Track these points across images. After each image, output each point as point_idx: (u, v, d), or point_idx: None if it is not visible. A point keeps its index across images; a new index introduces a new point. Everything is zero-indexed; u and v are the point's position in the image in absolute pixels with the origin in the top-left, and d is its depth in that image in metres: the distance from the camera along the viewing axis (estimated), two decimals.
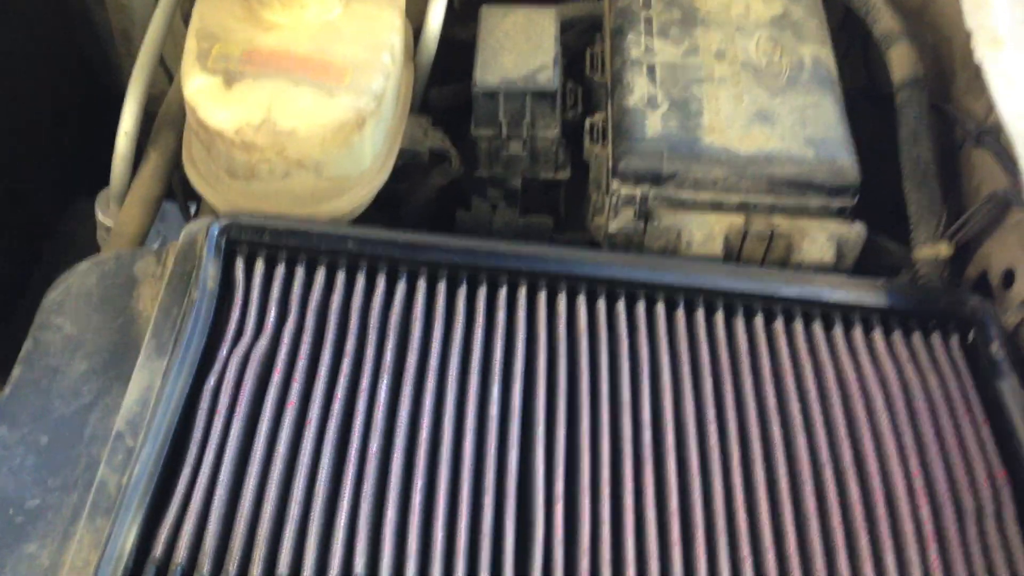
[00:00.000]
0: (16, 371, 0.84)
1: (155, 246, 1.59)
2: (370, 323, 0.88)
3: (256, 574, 0.72)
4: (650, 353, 0.89)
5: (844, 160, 1.00)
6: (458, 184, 1.19)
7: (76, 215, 1.33)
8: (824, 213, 1.01)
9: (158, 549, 0.72)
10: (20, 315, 0.95)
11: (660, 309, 0.92)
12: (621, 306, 0.92)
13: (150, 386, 0.82)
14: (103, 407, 0.83)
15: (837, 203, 1.00)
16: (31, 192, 1.34)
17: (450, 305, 0.91)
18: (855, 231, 1.00)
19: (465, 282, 0.92)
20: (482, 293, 0.92)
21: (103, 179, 1.13)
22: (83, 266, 0.92)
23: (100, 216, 1.15)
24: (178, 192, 1.20)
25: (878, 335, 0.91)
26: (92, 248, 1.14)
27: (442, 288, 0.91)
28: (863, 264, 1.02)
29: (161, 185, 1.11)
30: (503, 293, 0.92)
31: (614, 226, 1.03)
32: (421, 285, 0.91)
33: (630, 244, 1.04)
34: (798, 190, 1.00)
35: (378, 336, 0.88)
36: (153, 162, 1.10)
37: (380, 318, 0.89)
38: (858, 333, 0.92)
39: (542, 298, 0.92)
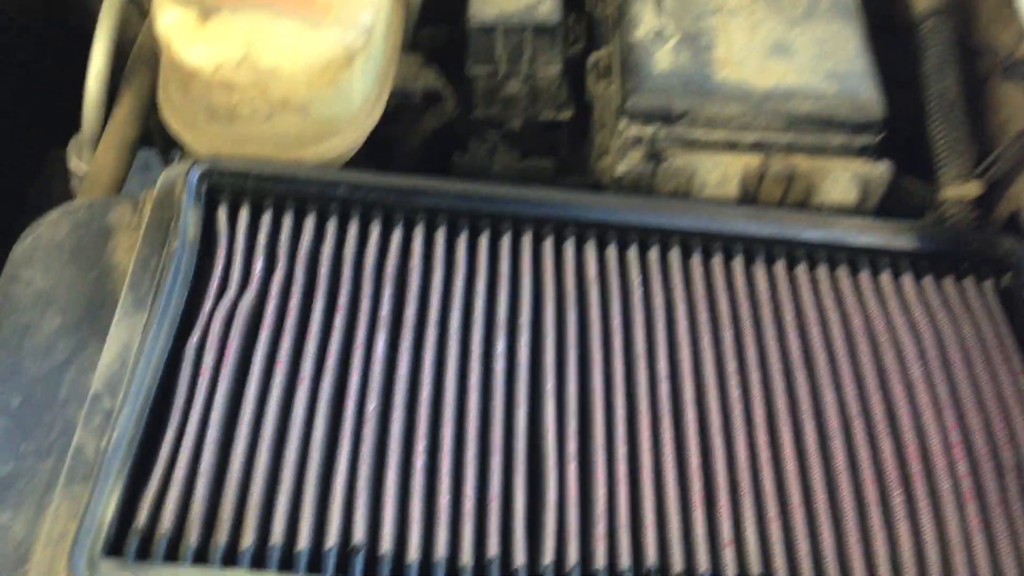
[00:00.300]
0: None
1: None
2: (364, 273, 0.82)
3: (248, 544, 0.66)
4: (665, 302, 0.83)
5: (867, 95, 0.94)
6: (453, 127, 1.13)
7: (53, 165, 1.26)
8: (846, 152, 0.95)
9: (141, 518, 0.67)
10: None
11: (675, 255, 0.86)
12: (633, 253, 0.86)
13: (128, 343, 0.75)
14: (78, 366, 0.76)
15: (860, 141, 0.94)
16: (3, 143, 1.27)
17: (450, 253, 0.85)
18: (880, 170, 0.94)
19: (466, 229, 0.86)
20: (484, 240, 0.85)
21: (76, 125, 1.05)
22: (53, 215, 0.86)
23: (73, 164, 1.07)
24: (156, 137, 1.12)
25: (908, 280, 0.86)
26: (66, 199, 1.07)
27: (441, 235, 0.85)
28: (884, 205, 0.97)
29: (136, 128, 1.03)
30: (507, 240, 0.86)
31: (621, 168, 0.96)
32: (419, 232, 0.85)
33: (638, 187, 0.98)
34: (819, 127, 0.94)
35: (373, 287, 0.81)
36: (127, 104, 1.03)
37: (375, 268, 0.83)
38: (886, 278, 0.86)
39: (548, 245, 0.86)
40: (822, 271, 0.86)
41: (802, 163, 0.94)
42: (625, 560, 0.68)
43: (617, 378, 0.78)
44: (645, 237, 0.87)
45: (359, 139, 0.98)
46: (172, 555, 0.65)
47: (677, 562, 0.69)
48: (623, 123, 0.95)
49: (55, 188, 1.19)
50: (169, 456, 0.70)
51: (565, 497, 0.71)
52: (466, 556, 0.67)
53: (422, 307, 0.81)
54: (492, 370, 0.77)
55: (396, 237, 0.84)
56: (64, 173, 1.10)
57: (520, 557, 0.68)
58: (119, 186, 1.03)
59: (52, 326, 0.79)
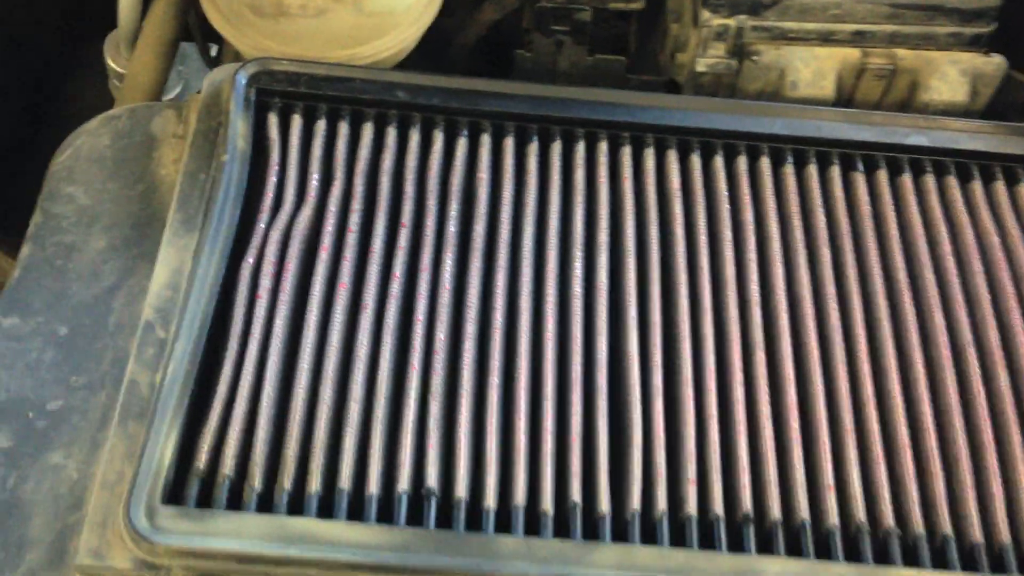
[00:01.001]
0: (25, 250, 0.73)
1: (176, 92, 1.45)
2: (428, 187, 0.75)
3: (314, 489, 0.62)
4: (755, 217, 0.76)
5: None
6: (514, 19, 1.04)
7: (85, 61, 1.19)
8: (956, 43, 0.86)
9: (201, 459, 0.62)
10: (27, 179, 0.83)
11: (765, 164, 0.79)
12: (719, 162, 0.78)
13: (179, 268, 0.70)
14: (127, 291, 0.72)
15: (971, 30, 0.85)
16: (32, 37, 1.20)
17: (520, 164, 0.78)
18: (993, 64, 0.85)
19: (536, 137, 0.78)
20: (556, 149, 0.78)
21: (112, 19, 0.98)
22: (93, 124, 0.80)
23: (110, 62, 1.01)
24: (196, 32, 1.05)
25: None
26: (105, 100, 1.01)
27: (510, 144, 0.78)
28: (995, 103, 0.88)
29: (176, 25, 0.96)
30: (581, 148, 0.78)
31: (702, 65, 0.88)
32: (485, 141, 0.78)
33: (720, 86, 0.90)
34: (925, 15, 0.85)
35: (439, 203, 0.75)
36: None
37: (440, 181, 0.76)
38: (1001, 187, 0.78)
39: (626, 153, 0.78)
40: (929, 180, 0.78)
41: (906, 56, 0.85)
42: (718, 506, 0.63)
43: (704, 303, 0.71)
44: (732, 144, 0.79)
45: (417, 34, 0.90)
46: (235, 501, 0.61)
47: (774, 508, 0.64)
48: (705, 13, 0.86)
49: (91, 86, 1.13)
50: (228, 392, 0.65)
51: (651, 437, 0.66)
52: (546, 502, 0.63)
53: (492, 224, 0.75)
54: (569, 295, 0.71)
55: (461, 146, 0.77)
56: (101, 70, 1.04)
57: (604, 504, 0.63)
58: (160, 87, 0.96)
59: (98, 247, 0.74)
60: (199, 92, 0.80)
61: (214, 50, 1.09)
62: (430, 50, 1.01)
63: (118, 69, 1.01)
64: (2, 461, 0.64)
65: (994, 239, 0.75)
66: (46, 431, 0.65)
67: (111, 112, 0.81)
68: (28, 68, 1.22)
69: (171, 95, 1.37)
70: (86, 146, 0.79)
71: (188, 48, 1.12)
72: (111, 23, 0.99)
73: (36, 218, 0.75)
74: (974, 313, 0.72)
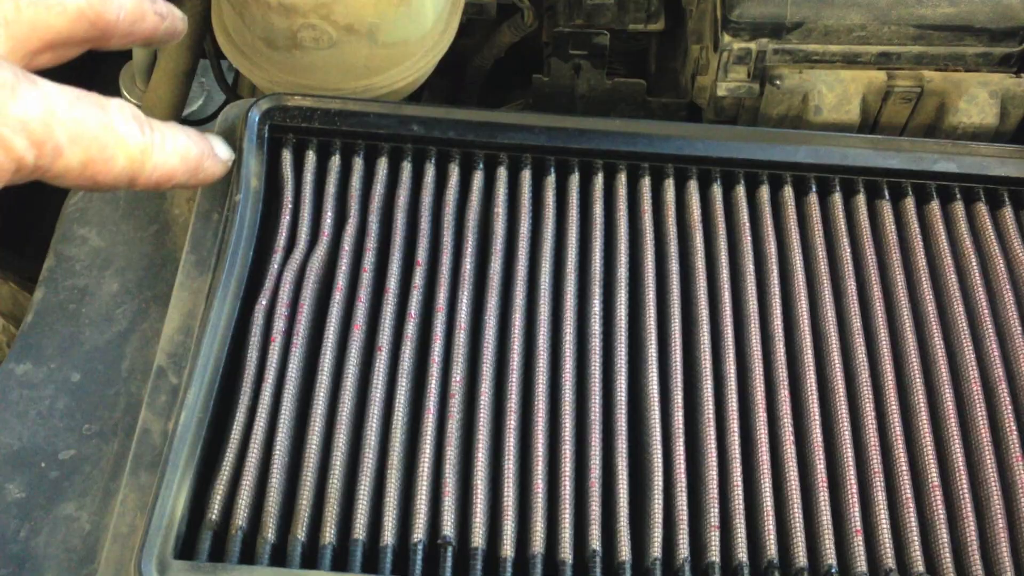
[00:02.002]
0: (38, 293, 0.73)
1: (198, 104, 1.45)
2: (443, 223, 0.74)
3: (328, 540, 0.61)
4: (778, 249, 0.74)
5: None
6: (532, 42, 1.03)
7: (103, 86, 1.19)
8: (984, 63, 0.83)
9: (214, 511, 0.62)
10: (44, 208, 0.82)
11: (788, 194, 0.77)
12: (741, 192, 0.77)
13: (192, 311, 0.69)
14: (140, 335, 0.71)
15: (1001, 50, 0.82)
16: (46, 71, 1.21)
17: (537, 197, 0.76)
18: (1023, 85, 0.82)
19: (553, 169, 0.77)
20: (574, 181, 0.77)
21: (127, 51, 0.98)
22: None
23: (125, 94, 1.01)
24: (212, 59, 1.04)
25: None
26: None
27: (527, 177, 0.76)
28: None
29: (191, 56, 0.96)
30: (599, 180, 0.77)
31: (723, 89, 0.86)
32: (502, 174, 0.77)
33: (742, 110, 0.88)
34: (953, 35, 0.82)
35: (454, 239, 0.74)
36: None
37: (456, 216, 0.75)
38: None
39: (646, 185, 0.77)
40: (958, 208, 0.76)
41: (933, 78, 0.83)
42: (742, 552, 0.62)
43: (727, 340, 0.70)
44: (754, 173, 0.77)
45: (432, 62, 0.89)
46: (248, 554, 0.60)
47: (800, 554, 0.62)
48: (727, 37, 0.84)
49: None
50: (240, 440, 0.64)
51: (672, 480, 0.64)
52: (565, 550, 0.61)
53: (508, 261, 0.73)
54: (588, 333, 0.70)
55: (477, 180, 0.76)
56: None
57: (625, 551, 0.61)
58: (177, 119, 0.96)
59: (111, 290, 0.73)
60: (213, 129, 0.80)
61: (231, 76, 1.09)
62: (448, 70, 1.00)
63: (133, 102, 1.00)
64: (15, 512, 0.64)
65: None
66: (58, 481, 0.65)
67: None
68: None
69: (193, 107, 1.36)
70: None
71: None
72: (126, 54, 0.99)
73: (49, 261, 0.74)
74: (1005, 346, 0.70)
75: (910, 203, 0.76)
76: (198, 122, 1.15)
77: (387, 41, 0.85)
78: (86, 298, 0.73)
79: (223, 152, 0.57)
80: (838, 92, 0.83)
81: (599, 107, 1.00)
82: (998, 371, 0.69)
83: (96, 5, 0.52)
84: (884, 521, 0.63)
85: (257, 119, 0.76)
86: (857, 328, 0.71)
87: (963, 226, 0.75)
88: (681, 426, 0.66)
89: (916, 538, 0.63)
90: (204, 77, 1.20)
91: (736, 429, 0.66)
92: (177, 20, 0.58)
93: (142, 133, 0.51)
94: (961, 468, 0.65)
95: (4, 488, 0.64)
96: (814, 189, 0.77)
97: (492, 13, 0.99)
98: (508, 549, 0.61)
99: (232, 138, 0.77)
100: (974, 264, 0.73)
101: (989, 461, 0.65)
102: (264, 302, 0.70)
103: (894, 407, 0.67)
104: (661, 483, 0.64)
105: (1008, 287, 0.72)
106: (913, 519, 0.63)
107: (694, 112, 0.97)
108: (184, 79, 0.96)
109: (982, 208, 0.76)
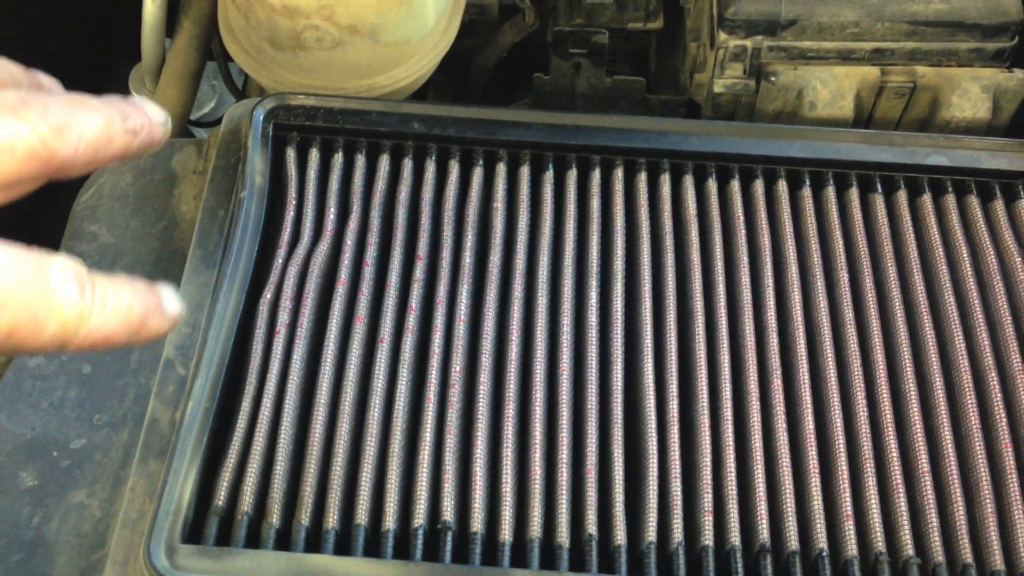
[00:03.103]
0: None
1: (211, 106, 1.47)
2: (444, 218, 0.76)
3: (331, 525, 0.63)
4: (772, 241, 0.76)
5: None
6: (533, 42, 1.04)
7: (118, 84, 1.21)
8: (977, 58, 0.84)
9: (220, 497, 0.63)
10: (53, 216, 0.84)
11: (782, 188, 0.78)
12: (735, 186, 0.78)
13: (199, 304, 0.71)
14: None
15: (993, 45, 0.84)
16: (66, 62, 1.23)
17: (535, 193, 0.78)
18: (1016, 79, 0.84)
19: (551, 165, 0.78)
20: (572, 177, 0.78)
21: (138, 52, 1.00)
22: (114, 163, 0.81)
23: (135, 95, 1.02)
24: (220, 61, 1.07)
25: None
26: None
27: (525, 173, 0.78)
28: (1020, 118, 0.87)
29: (199, 57, 0.98)
30: (596, 176, 0.78)
31: (720, 86, 0.88)
32: (501, 170, 0.78)
33: (739, 106, 0.89)
34: (946, 31, 0.84)
35: (454, 234, 0.75)
36: (187, 31, 0.97)
37: (455, 212, 0.77)
38: (1023, 206, 0.77)
39: (642, 180, 0.78)
40: (949, 200, 0.78)
41: (926, 73, 0.85)
42: (735, 537, 0.63)
43: (721, 330, 0.71)
44: (748, 168, 0.79)
45: (434, 62, 0.91)
46: (253, 538, 0.62)
47: (791, 538, 0.63)
48: (722, 35, 0.86)
49: None
50: (246, 428, 0.66)
51: (667, 466, 0.66)
52: (562, 535, 0.63)
53: (507, 254, 0.75)
54: (584, 324, 0.71)
55: (477, 176, 0.78)
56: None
57: (620, 535, 0.63)
58: (184, 118, 0.98)
59: None
60: (220, 127, 0.82)
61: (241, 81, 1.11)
62: (451, 69, 1.01)
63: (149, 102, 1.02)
64: (28, 500, 0.65)
65: (1016, 260, 0.74)
66: (70, 470, 0.67)
67: None
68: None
69: (205, 109, 1.38)
70: (109, 184, 0.80)
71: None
72: (136, 56, 1.01)
73: None
74: (995, 336, 0.71)
75: (902, 196, 0.78)
76: (210, 124, 1.17)
77: (389, 41, 0.87)
78: None
79: (172, 307, 0.52)
80: (832, 88, 0.84)
81: (599, 105, 1.02)
82: (988, 360, 0.70)
83: (50, 142, 0.46)
84: (874, 506, 0.64)
85: (262, 118, 0.78)
86: (849, 318, 0.72)
87: (954, 218, 0.76)
88: (676, 414, 0.68)
89: (906, 522, 0.64)
90: (216, 80, 1.22)
91: (730, 417, 0.68)
92: (156, 130, 0.52)
93: (81, 296, 0.47)
94: (951, 454, 0.66)
95: (17, 476, 0.66)
96: (808, 183, 0.78)
97: (494, 13, 1.00)
98: (506, 534, 0.63)
99: (238, 136, 0.79)
100: (965, 256, 0.74)
101: (978, 447, 0.67)
102: (269, 295, 0.72)
103: (885, 395, 0.69)
104: (656, 470, 0.65)
105: (999, 278, 0.73)
106: (903, 504, 0.64)
107: (693, 109, 0.98)
108: (192, 79, 0.98)
109: (973, 201, 0.77)
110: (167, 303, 0.53)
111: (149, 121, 0.52)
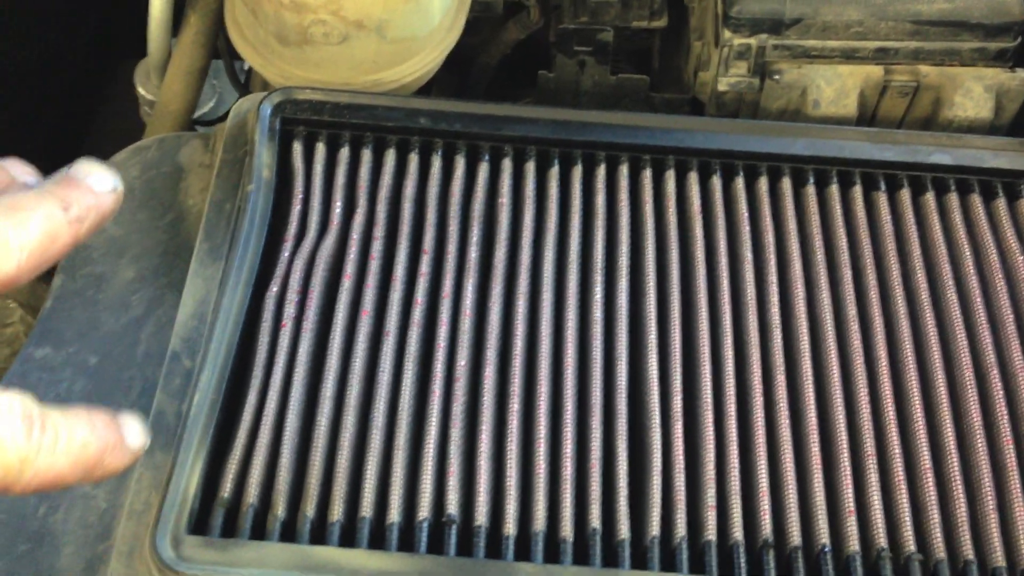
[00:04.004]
0: (57, 280, 0.75)
1: (210, 105, 1.47)
2: (449, 213, 0.76)
3: (336, 517, 0.63)
4: (776, 239, 0.76)
5: None
6: (537, 40, 1.05)
7: (119, 89, 1.21)
8: (980, 58, 0.85)
9: (226, 488, 0.64)
10: None
11: (786, 185, 0.78)
12: (740, 183, 0.78)
13: (205, 298, 0.72)
14: (156, 320, 0.73)
15: (996, 45, 0.84)
16: (63, 65, 1.23)
17: (541, 188, 0.78)
18: (1018, 79, 0.84)
19: (557, 161, 0.79)
20: (577, 173, 0.79)
21: (143, 46, 1.00)
22: (122, 156, 0.81)
23: (141, 90, 1.03)
24: (225, 57, 1.07)
25: None
26: (138, 128, 1.03)
27: (531, 168, 0.78)
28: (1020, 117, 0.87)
29: (205, 53, 0.98)
30: (601, 172, 0.79)
31: (724, 84, 0.88)
32: (507, 166, 0.79)
33: (743, 104, 0.90)
34: (949, 31, 0.84)
35: (460, 228, 0.76)
36: (194, 27, 0.97)
37: (461, 207, 0.77)
38: None
39: (647, 176, 0.79)
40: (952, 199, 0.78)
41: (929, 72, 0.85)
42: (738, 532, 0.63)
43: (725, 326, 0.71)
44: (753, 165, 0.79)
45: (440, 57, 0.91)
46: (259, 530, 0.63)
47: (794, 533, 0.64)
48: (727, 33, 0.86)
49: (124, 113, 1.15)
50: (252, 421, 0.66)
51: (671, 461, 0.66)
52: (566, 528, 0.63)
53: (512, 250, 0.75)
54: (589, 320, 0.72)
55: (482, 171, 0.78)
56: (134, 97, 1.06)
57: (624, 529, 0.63)
58: (190, 114, 0.98)
59: (127, 277, 0.75)
60: (226, 121, 0.82)
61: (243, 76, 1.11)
62: (455, 66, 1.02)
63: (149, 97, 1.03)
64: None
65: (1018, 258, 0.74)
66: None
67: (140, 143, 0.83)
68: (60, 95, 1.25)
69: (205, 109, 1.39)
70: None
71: (222, 63, 1.14)
72: (142, 50, 1.01)
73: None
74: (997, 334, 0.72)
75: (906, 194, 0.78)
76: (210, 122, 1.17)
77: (395, 37, 0.87)
78: (103, 285, 0.75)
79: (135, 439, 0.49)
80: (836, 87, 0.85)
81: (603, 103, 1.02)
82: (990, 358, 0.70)
83: None
84: (877, 502, 0.65)
85: (269, 112, 0.79)
86: (852, 315, 0.72)
87: (957, 217, 0.77)
88: (680, 409, 0.68)
89: (908, 518, 0.64)
90: (216, 79, 1.22)
91: (733, 413, 0.68)
92: (104, 204, 0.49)
93: (28, 437, 0.44)
94: (953, 451, 0.67)
95: None
96: (812, 181, 0.78)
97: (499, 10, 1.01)
98: (511, 527, 0.63)
99: (244, 130, 0.80)
100: (968, 254, 0.75)
101: (980, 444, 0.67)
102: (275, 289, 0.72)
103: (888, 392, 0.69)
104: (660, 464, 0.66)
105: (1001, 276, 0.74)
106: (905, 500, 0.65)
107: (697, 107, 0.98)
108: (198, 75, 0.98)
109: (976, 199, 0.78)
110: (129, 436, 0.50)
111: (95, 198, 0.49)
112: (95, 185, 0.49)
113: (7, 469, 0.44)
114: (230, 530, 0.62)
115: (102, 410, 0.49)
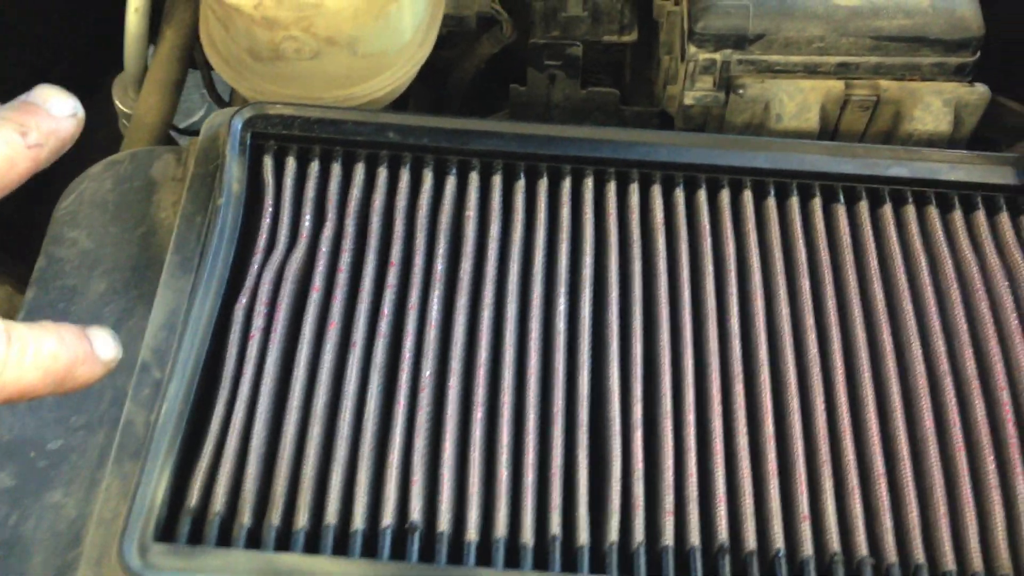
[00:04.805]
0: (30, 293, 0.76)
1: (200, 114, 1.48)
2: (417, 226, 0.78)
3: (301, 524, 0.64)
4: (736, 250, 0.78)
5: (965, 8, 0.85)
6: (511, 55, 1.06)
7: (100, 102, 1.23)
8: (939, 73, 0.87)
9: (193, 497, 0.65)
10: (45, 212, 0.86)
11: (747, 198, 0.80)
12: (702, 196, 0.80)
13: (175, 309, 0.73)
14: (127, 331, 0.74)
15: (955, 60, 0.86)
16: (51, 73, 1.24)
17: (507, 202, 0.80)
18: (976, 93, 0.86)
19: (523, 174, 0.80)
20: (543, 186, 0.80)
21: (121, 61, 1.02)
22: (96, 169, 0.83)
23: (118, 104, 1.04)
24: (203, 70, 1.08)
25: (1005, 219, 0.79)
26: (118, 141, 1.04)
27: (497, 182, 0.80)
28: (985, 129, 0.89)
29: (180, 67, 1.00)
30: (567, 185, 0.80)
31: (690, 97, 0.90)
32: (473, 179, 0.80)
33: (710, 118, 0.91)
34: (909, 46, 0.86)
35: (427, 241, 0.77)
36: (169, 41, 0.99)
37: (428, 220, 0.78)
38: (981, 217, 0.79)
39: (611, 189, 0.80)
40: (909, 211, 0.80)
41: (890, 87, 0.87)
42: (695, 537, 0.65)
43: (686, 337, 0.73)
44: (715, 178, 0.81)
45: (412, 72, 0.93)
46: (225, 537, 0.64)
47: (749, 538, 0.65)
48: (692, 48, 0.88)
49: (105, 126, 1.16)
50: (219, 430, 0.68)
51: (630, 468, 0.67)
52: (526, 535, 0.65)
53: (478, 262, 0.77)
54: (553, 331, 0.73)
55: (450, 185, 0.80)
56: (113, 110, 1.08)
57: (584, 535, 0.65)
58: (166, 126, 1.00)
59: (99, 289, 0.76)
60: (199, 135, 0.83)
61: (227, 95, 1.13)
62: (430, 79, 1.03)
63: (126, 110, 1.04)
64: (5, 500, 0.67)
65: (973, 269, 0.76)
66: (47, 470, 0.68)
67: (114, 157, 0.84)
68: None
69: (195, 118, 1.40)
70: (89, 191, 0.82)
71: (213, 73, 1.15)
72: (120, 64, 1.02)
73: (40, 262, 0.78)
74: (951, 343, 0.73)
75: (864, 207, 0.80)
76: (199, 132, 1.18)
77: (367, 52, 0.89)
78: (75, 297, 0.76)
79: (106, 351, 0.50)
80: (798, 101, 0.86)
81: (574, 116, 1.04)
82: (943, 366, 0.72)
83: None
84: (831, 507, 0.66)
85: (239, 127, 0.80)
86: (810, 325, 0.74)
87: (914, 229, 0.78)
88: (640, 418, 0.69)
89: (861, 523, 0.66)
90: (205, 88, 1.24)
91: (692, 421, 0.69)
92: (63, 128, 0.48)
93: None
94: (906, 457, 0.68)
95: None
96: (772, 193, 0.80)
97: (472, 25, 1.02)
98: (472, 533, 0.65)
99: (216, 145, 0.81)
100: (924, 265, 0.76)
101: (933, 452, 0.68)
102: (244, 300, 0.73)
103: (843, 400, 0.71)
104: (619, 471, 0.67)
105: (956, 287, 0.75)
106: (858, 506, 0.66)
107: (666, 121, 1.00)
108: (174, 88, 1.00)
109: (933, 212, 0.79)
110: (100, 348, 0.51)
111: (55, 123, 0.49)
112: (54, 110, 0.49)
113: None
114: (197, 538, 0.64)
115: (71, 325, 0.49)
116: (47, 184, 1.09)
